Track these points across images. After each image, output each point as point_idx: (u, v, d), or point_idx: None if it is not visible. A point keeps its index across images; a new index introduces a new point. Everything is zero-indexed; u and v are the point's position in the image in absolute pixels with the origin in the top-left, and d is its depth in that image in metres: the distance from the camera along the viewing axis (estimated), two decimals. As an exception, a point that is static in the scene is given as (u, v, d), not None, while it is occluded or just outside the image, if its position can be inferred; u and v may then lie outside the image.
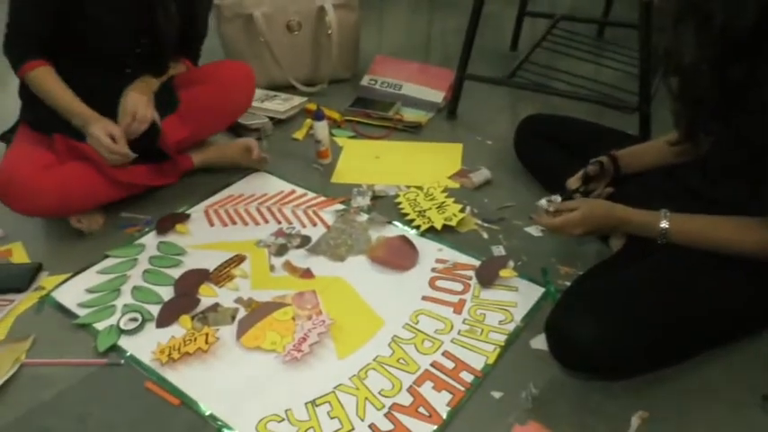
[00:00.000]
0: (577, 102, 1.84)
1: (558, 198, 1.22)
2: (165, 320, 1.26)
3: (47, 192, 1.39)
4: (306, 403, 1.08)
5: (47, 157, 1.43)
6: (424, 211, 1.51)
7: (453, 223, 1.46)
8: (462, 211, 1.49)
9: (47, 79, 1.43)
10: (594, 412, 1.04)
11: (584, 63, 2.11)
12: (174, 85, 1.62)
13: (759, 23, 0.91)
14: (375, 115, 1.93)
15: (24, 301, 1.32)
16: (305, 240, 1.46)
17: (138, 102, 1.46)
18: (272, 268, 1.39)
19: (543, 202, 1.21)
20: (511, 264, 1.34)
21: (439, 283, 1.33)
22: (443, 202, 1.53)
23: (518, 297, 1.28)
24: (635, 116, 1.71)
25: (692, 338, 1.05)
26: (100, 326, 1.25)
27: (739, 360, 1.11)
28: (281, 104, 1.95)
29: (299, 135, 1.90)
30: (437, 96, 2.01)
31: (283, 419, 1.06)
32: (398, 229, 1.48)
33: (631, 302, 1.03)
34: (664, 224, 1.08)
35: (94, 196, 1.48)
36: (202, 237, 1.49)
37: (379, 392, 1.10)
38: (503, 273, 1.32)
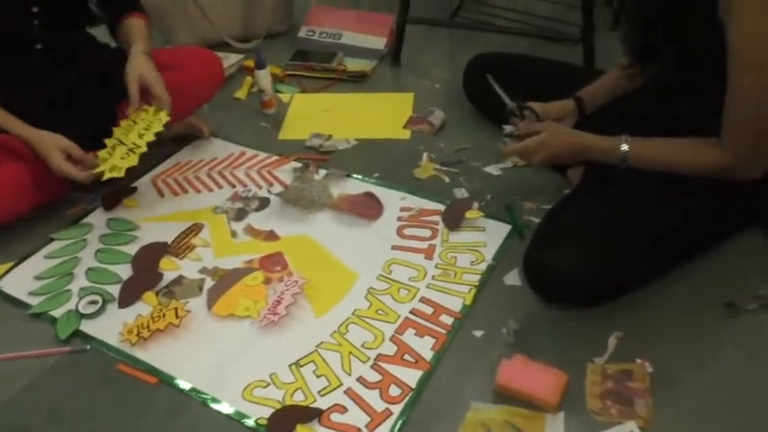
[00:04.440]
0: (518, 38, 1.83)
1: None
2: (127, 299, 1.20)
3: None
4: (290, 365, 1.06)
5: None
6: None
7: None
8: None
9: None
10: (573, 338, 1.08)
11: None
12: None
13: None
14: (318, 67, 1.86)
15: (-33, 297, 1.23)
16: (263, 202, 1.41)
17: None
18: (233, 234, 1.34)
19: (509, 127, 1.21)
20: (475, 205, 1.35)
21: (407, 231, 1.32)
22: None
23: (486, 236, 1.29)
24: (577, 48, 1.72)
25: (662, 256, 1.10)
26: (57, 313, 1.17)
27: (699, 276, 1.16)
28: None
29: (241, 94, 1.81)
30: (379, 43, 1.96)
31: (269, 384, 1.04)
32: (358, 181, 1.46)
33: (604, 230, 1.06)
34: (624, 147, 1.10)
35: (34, 200, 1.33)
36: (154, 209, 1.41)
37: (363, 345, 1.09)
38: (468, 214, 1.32)
